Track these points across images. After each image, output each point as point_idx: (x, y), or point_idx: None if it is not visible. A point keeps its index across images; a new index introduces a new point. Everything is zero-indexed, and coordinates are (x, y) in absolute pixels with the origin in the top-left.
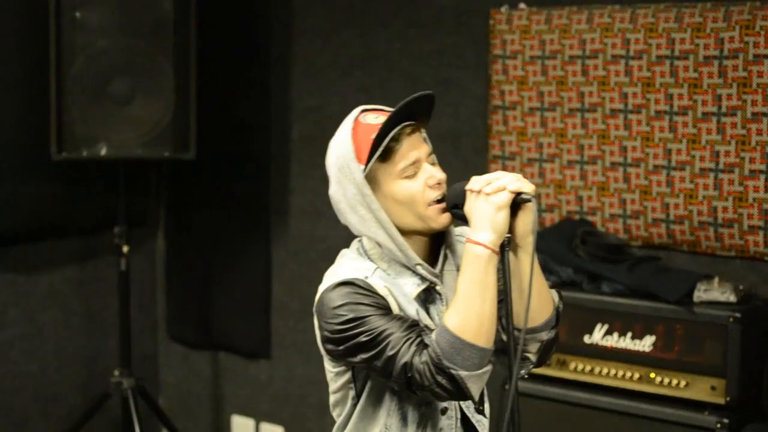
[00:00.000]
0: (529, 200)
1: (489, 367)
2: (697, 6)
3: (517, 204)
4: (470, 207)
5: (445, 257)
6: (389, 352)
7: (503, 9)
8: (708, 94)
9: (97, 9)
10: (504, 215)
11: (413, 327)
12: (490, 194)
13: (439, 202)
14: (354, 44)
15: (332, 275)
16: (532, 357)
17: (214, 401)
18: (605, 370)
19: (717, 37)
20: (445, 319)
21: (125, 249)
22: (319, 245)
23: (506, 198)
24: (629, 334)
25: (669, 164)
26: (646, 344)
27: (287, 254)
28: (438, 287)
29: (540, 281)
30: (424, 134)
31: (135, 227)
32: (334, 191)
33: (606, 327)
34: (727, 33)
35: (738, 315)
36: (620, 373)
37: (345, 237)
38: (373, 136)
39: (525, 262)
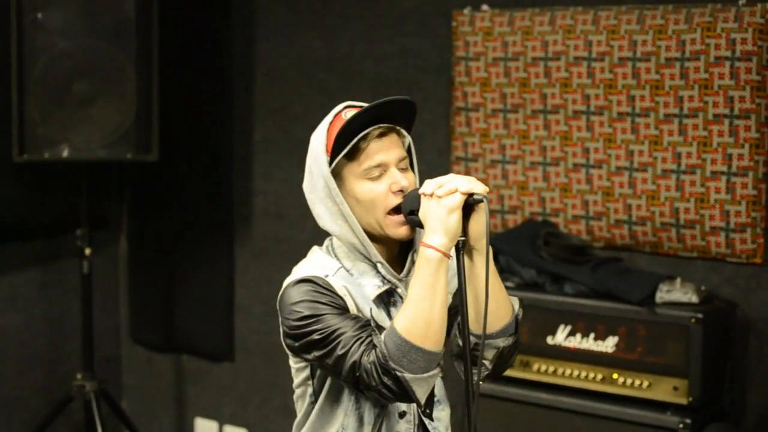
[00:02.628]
0: (480, 201)
1: (436, 371)
2: (659, 8)
3: (470, 206)
4: (423, 211)
5: (413, 263)
6: (339, 351)
7: (466, 11)
8: (670, 96)
9: (58, 10)
10: (456, 218)
11: (365, 327)
12: (442, 196)
13: (397, 210)
14: (316, 45)
15: (296, 271)
16: (488, 364)
17: (178, 404)
18: (568, 371)
19: (678, 40)
20: (394, 320)
21: (87, 251)
22: (282, 247)
23: (457, 200)
24: (592, 335)
25: (631, 165)
26: (608, 345)
27: (250, 256)
28: (399, 290)
29: (497, 286)
30: (408, 141)
31: (97, 230)
32: (306, 182)
33: (569, 328)
34: (689, 35)
35: (700, 316)
36: (583, 373)
37: (308, 239)
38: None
39: (481, 266)
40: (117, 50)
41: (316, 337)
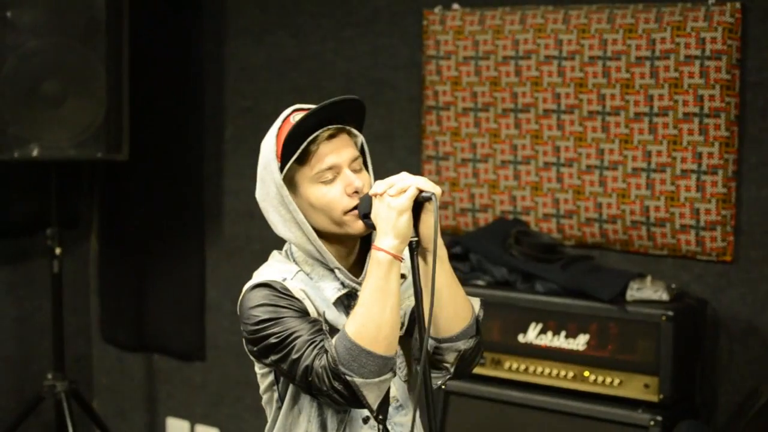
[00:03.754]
0: (429, 198)
1: (388, 376)
2: (629, 7)
3: (419, 206)
4: (375, 212)
5: None
6: (294, 356)
7: (437, 9)
8: (640, 95)
9: (28, 9)
10: (406, 219)
11: (321, 331)
12: (394, 196)
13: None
14: (287, 44)
15: (255, 276)
16: (449, 367)
17: (149, 403)
18: (539, 369)
19: (649, 38)
20: (346, 324)
21: (58, 251)
22: (253, 246)
23: (406, 201)
24: (563, 333)
25: (602, 164)
26: (579, 343)
27: (221, 255)
28: (360, 293)
29: (454, 288)
30: (360, 140)
31: (67, 229)
32: (258, 190)
33: (540, 326)
34: (659, 34)
35: (670, 313)
36: (554, 371)
37: (279, 238)
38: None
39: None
40: (87, 49)
41: (273, 340)
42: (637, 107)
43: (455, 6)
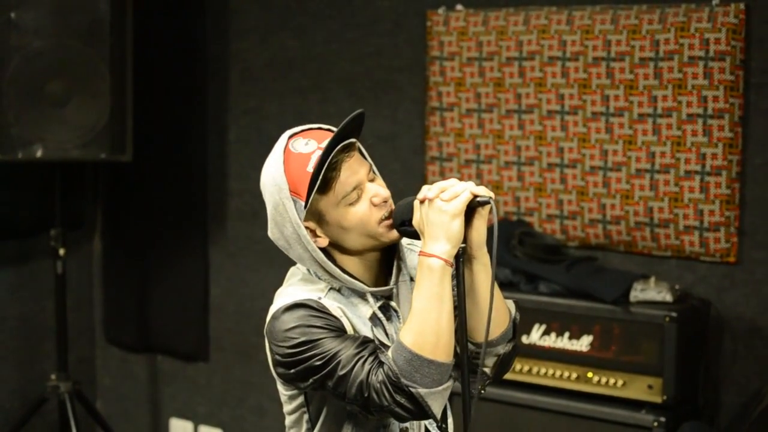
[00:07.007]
0: (487, 202)
1: (450, 383)
2: (633, 8)
3: (471, 212)
4: (421, 218)
5: (399, 269)
6: (340, 372)
7: (440, 10)
8: (644, 96)
9: (32, 10)
10: (459, 223)
11: (365, 344)
12: (446, 200)
13: (386, 218)
14: (291, 45)
15: (284, 296)
16: (489, 372)
17: (152, 404)
18: (543, 370)
19: (652, 39)
20: (401, 335)
21: (61, 252)
22: (256, 247)
23: (461, 204)
24: (567, 334)
25: (605, 165)
26: (583, 344)
27: (225, 256)
28: (392, 303)
29: (496, 293)
30: (360, 147)
31: (71, 230)
32: (271, 230)
33: (543, 327)
34: (663, 35)
35: (674, 314)
36: (558, 372)
37: None
38: (308, 168)
39: (480, 274)
40: (91, 50)
41: (316, 363)
42: (641, 108)
43: (459, 7)
